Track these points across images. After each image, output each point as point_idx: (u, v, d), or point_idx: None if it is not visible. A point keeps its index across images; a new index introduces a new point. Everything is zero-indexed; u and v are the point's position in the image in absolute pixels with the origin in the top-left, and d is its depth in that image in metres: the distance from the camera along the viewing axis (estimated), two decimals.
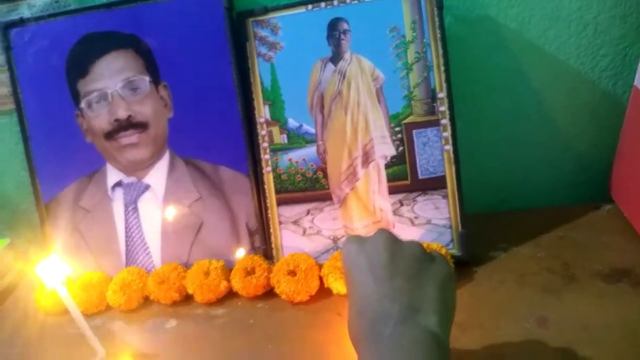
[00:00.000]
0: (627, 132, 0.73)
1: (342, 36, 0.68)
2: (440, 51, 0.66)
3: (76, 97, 0.74)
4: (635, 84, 0.70)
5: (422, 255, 0.44)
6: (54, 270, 0.58)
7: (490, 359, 0.55)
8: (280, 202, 0.72)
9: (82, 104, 0.73)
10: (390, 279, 0.41)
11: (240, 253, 0.72)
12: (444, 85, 0.67)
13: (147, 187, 0.74)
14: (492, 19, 0.72)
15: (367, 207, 0.70)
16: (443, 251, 0.66)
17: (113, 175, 0.75)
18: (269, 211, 0.72)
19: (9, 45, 0.74)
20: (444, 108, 0.67)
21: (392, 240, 0.44)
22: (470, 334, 0.59)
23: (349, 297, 0.44)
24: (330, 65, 0.69)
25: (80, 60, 0.73)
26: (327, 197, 0.71)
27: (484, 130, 0.79)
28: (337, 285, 0.66)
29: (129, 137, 0.73)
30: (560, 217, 0.75)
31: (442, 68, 0.67)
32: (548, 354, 0.55)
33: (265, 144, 0.72)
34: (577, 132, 0.79)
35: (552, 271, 0.66)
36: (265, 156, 0.72)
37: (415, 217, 0.69)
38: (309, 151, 0.71)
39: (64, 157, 0.76)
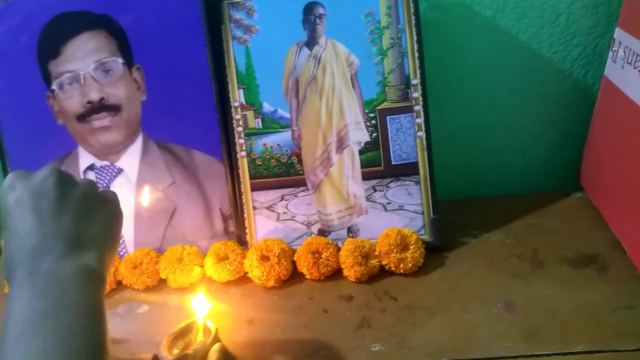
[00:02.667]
0: (597, 121, 0.75)
1: (318, 20, 0.68)
2: (415, 37, 0.67)
3: (47, 78, 0.72)
4: (605, 74, 0.71)
5: (92, 196, 0.45)
6: None
7: (458, 342, 0.57)
8: (254, 188, 0.72)
9: (54, 86, 0.72)
10: (56, 218, 0.41)
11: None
12: (418, 71, 0.67)
13: (120, 171, 0.73)
14: (467, 6, 0.73)
15: (341, 192, 0.70)
16: (414, 237, 0.67)
17: (85, 158, 0.74)
18: (243, 196, 0.72)
19: None
20: (417, 94, 0.68)
21: (62, 179, 0.44)
22: (439, 317, 0.60)
23: (6, 234, 0.42)
24: (306, 50, 0.69)
25: (52, 40, 0.71)
26: (301, 183, 0.71)
27: (457, 117, 0.80)
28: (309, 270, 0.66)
29: (102, 120, 0.72)
30: (531, 204, 0.77)
31: (417, 54, 0.67)
32: (515, 337, 0.57)
33: (240, 128, 0.71)
34: (548, 120, 0.80)
35: (521, 257, 0.68)
36: (240, 140, 0.71)
37: (388, 203, 0.70)
38: (284, 136, 0.71)
39: (34, 139, 0.74)
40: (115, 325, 0.64)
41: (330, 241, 0.69)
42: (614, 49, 0.69)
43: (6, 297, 0.39)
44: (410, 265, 0.66)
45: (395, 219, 0.70)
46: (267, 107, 0.71)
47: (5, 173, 0.75)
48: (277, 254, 0.67)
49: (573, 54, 0.75)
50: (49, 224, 0.41)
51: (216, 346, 0.55)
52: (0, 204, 0.43)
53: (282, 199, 0.72)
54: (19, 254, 0.40)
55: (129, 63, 0.71)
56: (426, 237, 0.69)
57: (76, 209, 0.43)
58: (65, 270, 0.40)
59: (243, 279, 0.69)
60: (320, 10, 0.68)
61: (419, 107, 0.68)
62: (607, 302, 0.60)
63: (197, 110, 0.71)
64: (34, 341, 0.36)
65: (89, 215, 0.43)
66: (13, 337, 0.37)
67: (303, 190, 0.71)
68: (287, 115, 0.70)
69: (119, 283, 0.71)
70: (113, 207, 0.46)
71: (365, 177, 0.70)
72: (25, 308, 0.38)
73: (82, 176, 0.73)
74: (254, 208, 0.72)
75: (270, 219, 0.72)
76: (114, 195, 0.48)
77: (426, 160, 0.69)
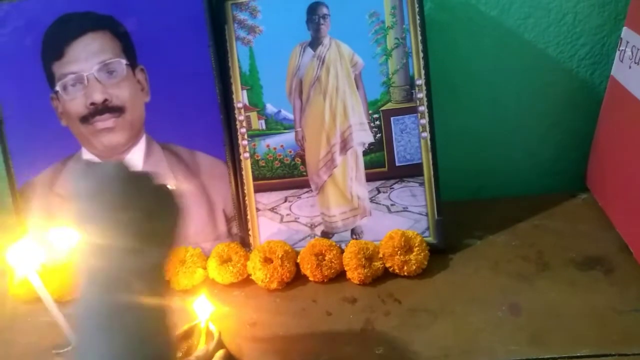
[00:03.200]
0: (603, 121, 0.74)
1: (322, 21, 0.68)
2: (420, 37, 0.66)
3: (51, 79, 0.72)
4: (612, 73, 0.70)
5: (158, 190, 0.44)
6: (26, 256, 0.58)
7: (462, 345, 0.56)
8: (257, 189, 0.71)
9: (58, 87, 0.72)
10: (124, 210, 0.41)
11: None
12: (423, 72, 0.67)
13: None
14: (472, 6, 0.72)
15: (345, 194, 0.70)
16: (419, 239, 0.67)
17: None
18: (246, 198, 0.72)
19: None
20: (422, 95, 0.67)
21: (131, 173, 0.43)
22: (443, 320, 0.59)
23: (74, 220, 0.42)
24: (309, 50, 0.68)
25: (56, 41, 0.71)
26: (305, 184, 0.71)
27: (462, 117, 0.79)
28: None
29: (105, 122, 0.72)
30: (536, 205, 0.76)
31: (421, 54, 0.66)
32: (520, 340, 0.56)
33: (243, 130, 0.71)
34: (554, 120, 0.80)
35: (526, 259, 0.67)
36: (243, 142, 0.71)
37: (392, 205, 0.69)
38: (287, 137, 0.70)
39: (38, 140, 0.74)
40: None
41: (334, 243, 0.69)
42: (621, 48, 0.68)
43: (77, 289, 0.40)
44: (414, 267, 0.65)
45: (399, 220, 0.69)
46: (270, 108, 0.70)
47: (9, 173, 0.75)
48: (280, 256, 0.67)
49: (580, 53, 0.75)
50: (116, 216, 0.41)
51: (220, 353, 0.55)
52: (71, 194, 0.44)
53: (285, 201, 0.71)
54: (85, 243, 0.41)
55: (132, 64, 0.71)
56: (430, 239, 0.69)
57: (142, 203, 0.42)
58: (132, 267, 0.40)
59: (246, 281, 0.69)
60: (324, 11, 0.67)
61: (423, 108, 0.67)
62: (613, 304, 0.59)
63: (201, 111, 0.71)
64: (106, 338, 0.37)
65: (154, 211, 0.43)
66: (86, 333, 0.38)
67: (306, 192, 0.71)
68: (290, 116, 0.70)
69: None
70: (177, 203, 0.46)
71: (369, 178, 0.70)
72: (95, 304, 0.39)
73: None
74: (257, 210, 0.72)
75: (273, 221, 0.72)
76: (176, 191, 0.47)
77: (430, 162, 0.68)
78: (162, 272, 0.43)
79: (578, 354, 0.53)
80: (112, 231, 0.41)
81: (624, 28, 0.68)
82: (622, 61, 0.68)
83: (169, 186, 0.46)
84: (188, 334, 0.58)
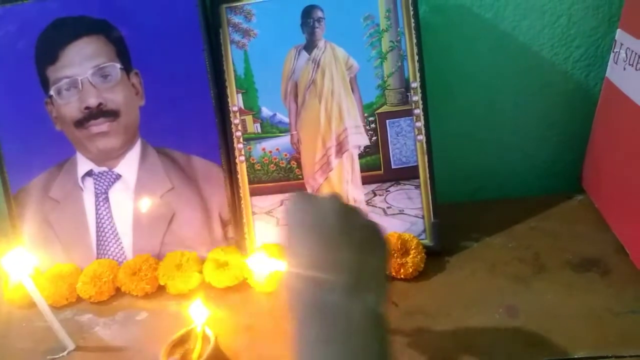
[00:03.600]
0: (598, 123, 0.74)
1: (317, 24, 0.68)
2: (415, 40, 0.66)
3: (45, 84, 0.72)
4: (606, 75, 0.71)
5: (371, 229, 0.43)
6: (20, 262, 0.57)
7: (459, 348, 0.56)
8: (253, 193, 0.71)
9: (52, 91, 0.72)
10: (339, 247, 0.40)
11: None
12: (418, 74, 0.67)
13: (118, 176, 0.73)
14: (467, 9, 0.72)
15: None
16: (415, 241, 0.67)
17: (83, 164, 0.73)
18: (242, 201, 0.71)
19: None
20: (417, 98, 0.67)
21: (344, 208, 0.43)
22: (440, 323, 0.59)
23: (288, 254, 0.42)
24: (304, 54, 0.68)
25: (50, 45, 0.71)
26: (300, 188, 0.71)
27: (458, 119, 0.79)
28: None
29: (100, 126, 0.71)
30: (533, 207, 0.76)
31: (416, 57, 0.66)
32: (517, 342, 0.56)
33: (239, 133, 0.71)
34: (549, 122, 0.80)
35: (523, 261, 0.67)
36: (239, 145, 0.71)
37: (388, 207, 0.69)
38: (283, 141, 0.70)
39: (32, 145, 0.74)
40: (114, 333, 0.64)
41: None
42: (615, 50, 0.68)
43: (292, 325, 0.39)
44: (410, 270, 0.65)
45: (395, 223, 0.69)
46: (265, 112, 0.70)
47: (4, 179, 0.74)
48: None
49: (574, 55, 0.75)
50: (332, 253, 0.40)
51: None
52: (286, 221, 0.43)
53: (281, 204, 0.71)
54: (302, 278, 0.40)
55: (127, 68, 0.71)
56: (427, 242, 0.69)
57: (356, 241, 0.41)
58: (353, 310, 0.38)
59: (242, 285, 0.68)
60: (319, 14, 0.67)
61: (418, 111, 0.67)
62: (610, 306, 0.59)
63: (196, 115, 0.71)
64: None
65: (368, 250, 0.41)
66: None
67: None
68: (286, 119, 0.70)
69: (118, 290, 0.70)
70: (385, 240, 0.44)
71: (365, 181, 0.70)
72: (313, 344, 0.38)
73: (80, 182, 0.73)
74: (253, 213, 0.72)
75: (269, 224, 0.71)
76: (384, 230, 0.45)
77: (426, 164, 0.68)
78: (385, 324, 0.39)
79: (575, 356, 0.53)
80: (327, 265, 0.40)
81: (618, 30, 0.68)
82: (616, 63, 0.68)
83: (376, 223, 0.44)
84: (184, 339, 0.58)
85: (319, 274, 0.39)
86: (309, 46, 0.68)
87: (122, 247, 0.73)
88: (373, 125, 0.68)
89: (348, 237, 0.41)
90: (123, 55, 0.71)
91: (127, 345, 0.62)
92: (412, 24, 0.66)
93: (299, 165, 0.70)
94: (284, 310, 0.41)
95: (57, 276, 0.70)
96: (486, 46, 0.75)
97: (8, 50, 0.72)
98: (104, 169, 0.73)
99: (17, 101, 0.73)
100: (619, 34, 0.68)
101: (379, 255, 0.42)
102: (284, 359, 0.56)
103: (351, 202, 0.70)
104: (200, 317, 0.58)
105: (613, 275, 0.64)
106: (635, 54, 0.62)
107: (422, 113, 0.67)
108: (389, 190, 0.69)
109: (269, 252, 0.67)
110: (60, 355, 0.61)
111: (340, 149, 0.69)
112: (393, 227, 0.69)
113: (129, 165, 0.73)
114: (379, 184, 0.70)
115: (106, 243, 0.73)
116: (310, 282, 0.39)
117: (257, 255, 0.63)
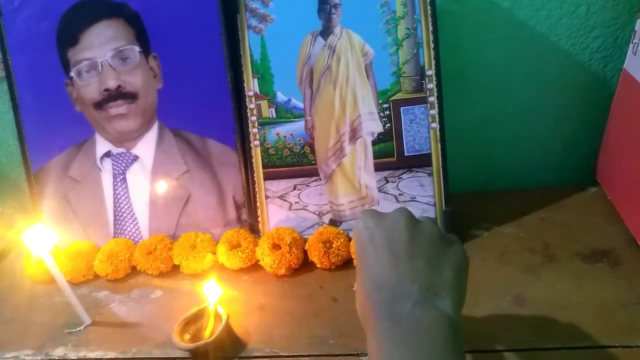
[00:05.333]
0: (615, 115, 0.73)
1: (333, 10, 0.68)
2: (431, 28, 0.66)
3: (66, 65, 0.73)
4: (624, 67, 0.70)
5: (441, 239, 0.44)
6: (41, 238, 0.59)
7: (466, 334, 0.56)
8: (267, 177, 0.72)
9: (72, 73, 0.73)
10: (410, 260, 0.41)
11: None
12: (433, 62, 0.67)
13: (135, 158, 0.74)
14: None
15: (353, 183, 0.71)
16: None
17: (102, 145, 0.75)
18: (256, 185, 0.72)
19: None
20: (432, 85, 0.67)
21: (413, 221, 0.44)
22: None
23: (360, 270, 0.43)
24: (320, 39, 0.69)
25: (71, 28, 0.72)
26: (313, 173, 0.71)
27: (472, 108, 0.79)
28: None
29: (118, 108, 0.73)
30: (545, 198, 0.76)
31: (432, 45, 0.66)
32: (524, 330, 0.56)
33: (254, 118, 0.72)
34: (565, 113, 0.79)
35: (533, 251, 0.67)
36: (254, 130, 0.72)
37: (400, 194, 0.70)
38: (297, 126, 0.71)
39: (53, 126, 0.76)
40: (129, 309, 0.66)
41: (342, 231, 0.70)
42: (634, 41, 0.67)
43: (368, 340, 0.40)
44: None
45: None
46: (281, 97, 0.71)
47: (25, 158, 0.76)
48: (288, 242, 0.67)
49: (592, 46, 0.74)
50: (404, 265, 0.41)
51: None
52: (356, 239, 0.45)
53: (294, 189, 0.72)
54: (376, 292, 0.41)
55: (145, 51, 0.72)
56: None
57: (426, 252, 0.42)
58: (427, 319, 0.39)
59: (255, 266, 0.70)
60: (336, 0, 0.68)
61: (433, 99, 0.68)
62: (619, 297, 0.59)
63: (212, 98, 0.72)
64: None
65: (439, 259, 0.42)
66: None
67: (315, 180, 0.72)
68: (300, 105, 0.70)
69: (134, 268, 0.72)
70: (461, 251, 0.44)
71: (378, 168, 0.70)
72: (389, 356, 0.38)
73: (99, 163, 0.75)
74: (267, 197, 0.73)
75: (282, 208, 0.72)
76: (458, 240, 0.46)
77: (439, 152, 0.68)
78: (460, 330, 0.40)
79: (581, 345, 0.54)
80: (398, 277, 0.41)
81: (638, 21, 0.67)
82: (635, 54, 0.67)
83: (449, 234, 0.45)
84: (198, 316, 0.59)
85: (390, 286, 0.41)
86: (325, 32, 0.68)
87: (139, 227, 0.75)
88: (387, 112, 0.69)
89: (417, 248, 0.42)
90: (142, 38, 0.72)
91: (141, 321, 0.64)
92: (429, 12, 0.66)
93: (313, 151, 0.71)
94: (360, 324, 0.43)
95: (76, 253, 0.72)
96: (502, 35, 0.74)
97: (31, 32, 0.73)
98: (122, 150, 0.74)
99: (39, 82, 0.75)
100: (639, 24, 0.67)
101: (452, 262, 0.43)
102: (293, 340, 0.58)
103: (363, 189, 0.70)
104: (213, 296, 0.59)
105: (623, 267, 0.64)
106: None
107: (436, 101, 0.67)
108: (401, 178, 0.70)
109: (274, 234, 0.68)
110: (78, 329, 0.63)
111: (354, 135, 0.70)
112: None
113: (146, 147, 0.74)
114: (392, 171, 0.70)
115: (123, 223, 0.75)
116: (383, 295, 0.41)
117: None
